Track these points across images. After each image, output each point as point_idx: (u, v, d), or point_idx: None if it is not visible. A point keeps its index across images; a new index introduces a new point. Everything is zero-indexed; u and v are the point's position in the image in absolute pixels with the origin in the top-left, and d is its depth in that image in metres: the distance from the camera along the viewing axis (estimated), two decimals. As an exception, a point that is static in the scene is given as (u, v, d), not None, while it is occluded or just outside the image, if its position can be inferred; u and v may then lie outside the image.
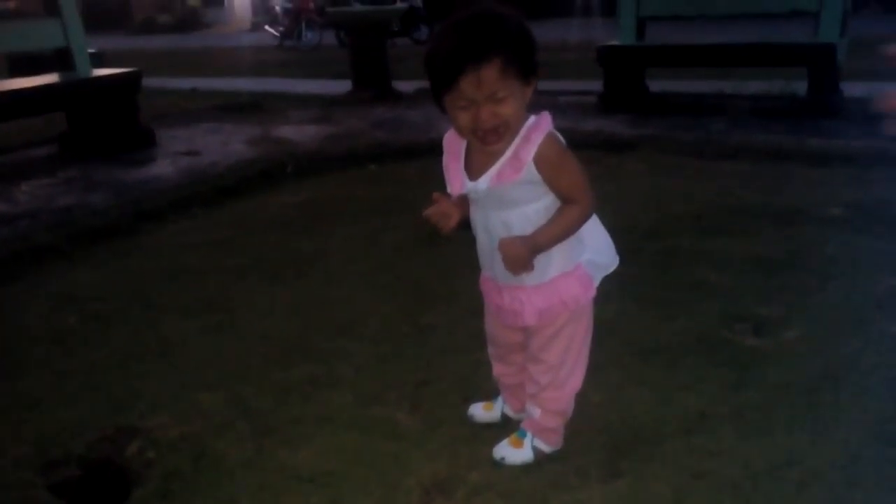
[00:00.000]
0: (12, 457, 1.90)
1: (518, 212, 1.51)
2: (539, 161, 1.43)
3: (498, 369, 1.85)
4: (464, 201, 1.59)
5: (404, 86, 7.76)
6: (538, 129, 1.45)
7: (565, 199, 1.50)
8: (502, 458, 1.75)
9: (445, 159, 1.58)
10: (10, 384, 2.27)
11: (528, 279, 1.55)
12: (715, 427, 1.85)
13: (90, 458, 1.88)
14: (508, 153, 1.45)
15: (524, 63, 1.39)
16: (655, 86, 6.36)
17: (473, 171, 1.52)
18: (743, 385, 2.03)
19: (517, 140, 1.45)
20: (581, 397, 1.79)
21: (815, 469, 1.69)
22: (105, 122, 5.53)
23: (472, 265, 1.72)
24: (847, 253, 2.91)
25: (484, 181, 1.48)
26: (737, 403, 1.94)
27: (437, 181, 1.61)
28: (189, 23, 25.72)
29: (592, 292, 1.61)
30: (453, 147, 1.56)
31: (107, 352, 2.44)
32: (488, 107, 1.38)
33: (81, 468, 1.85)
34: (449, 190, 1.56)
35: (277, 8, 18.76)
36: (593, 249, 1.60)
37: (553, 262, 1.55)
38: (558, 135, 1.48)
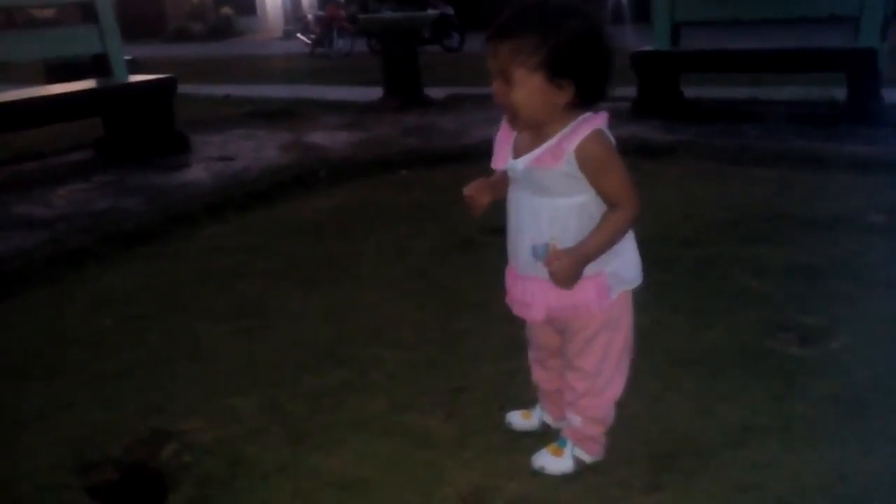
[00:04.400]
0: (49, 459, 1.90)
1: (549, 202, 1.49)
2: (581, 155, 1.42)
3: (537, 374, 1.81)
4: (504, 183, 1.59)
5: (435, 92, 7.76)
6: (588, 123, 1.44)
7: (609, 202, 1.47)
8: (541, 468, 1.71)
9: (499, 133, 1.58)
10: (46, 386, 2.29)
11: (544, 272, 1.51)
12: (760, 439, 1.80)
13: (126, 461, 1.88)
14: (553, 140, 1.45)
15: (546, 58, 1.37)
16: (690, 91, 6.28)
17: (519, 150, 1.52)
18: (788, 396, 1.97)
19: (565, 130, 1.44)
20: (620, 408, 1.75)
21: (865, 484, 1.63)
22: (140, 127, 5.59)
23: (505, 271, 1.69)
24: (891, 260, 2.83)
25: (523, 161, 1.49)
26: (782, 415, 1.89)
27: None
28: (222, 31, 26.03)
29: (607, 302, 1.55)
30: (505, 123, 1.57)
31: (142, 355, 2.45)
32: (500, 82, 1.43)
33: (118, 471, 1.85)
34: (493, 163, 1.58)
35: (309, 16, 18.92)
36: (621, 261, 1.56)
37: None
38: (608, 134, 1.46)
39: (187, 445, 1.92)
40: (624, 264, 1.56)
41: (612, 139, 1.47)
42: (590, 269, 1.50)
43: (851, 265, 2.82)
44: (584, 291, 1.53)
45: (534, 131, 1.49)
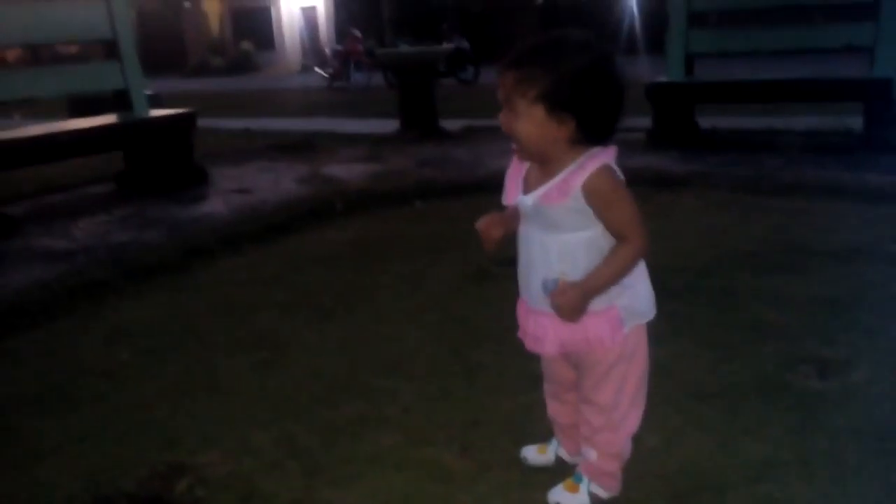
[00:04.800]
0: (64, 492, 1.90)
1: (559, 238, 1.49)
2: (588, 190, 1.42)
3: (552, 408, 1.80)
4: (516, 217, 1.59)
5: (451, 124, 7.81)
6: (595, 159, 1.43)
7: (616, 236, 1.46)
8: (557, 504, 1.69)
9: (510, 168, 1.59)
10: (61, 419, 2.29)
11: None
12: (781, 475, 1.76)
13: (140, 496, 1.88)
14: (561, 176, 1.45)
15: (546, 91, 1.38)
16: (705, 121, 6.28)
17: (529, 186, 1.52)
18: (809, 430, 1.94)
19: (572, 166, 1.44)
20: (638, 442, 1.73)
21: (890, 522, 1.59)
22: (160, 160, 5.67)
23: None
24: (914, 292, 2.79)
25: (532, 197, 1.49)
26: (803, 450, 1.85)
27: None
28: (241, 66, 26.47)
29: (621, 336, 1.54)
30: (517, 157, 1.57)
31: (158, 387, 2.46)
32: (506, 111, 1.44)
33: (131, 505, 1.85)
34: (503, 199, 1.58)
35: (327, 50, 19.23)
36: (632, 294, 1.54)
37: None
38: (615, 168, 1.45)
39: (202, 479, 1.91)
40: (636, 297, 1.55)
41: (620, 174, 1.46)
42: (601, 304, 1.50)
43: (871, 296, 2.79)
44: (597, 326, 1.52)
45: (543, 166, 1.49)
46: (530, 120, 1.41)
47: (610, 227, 1.46)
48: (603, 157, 1.44)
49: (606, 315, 1.52)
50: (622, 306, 1.53)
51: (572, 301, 1.45)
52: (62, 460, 2.06)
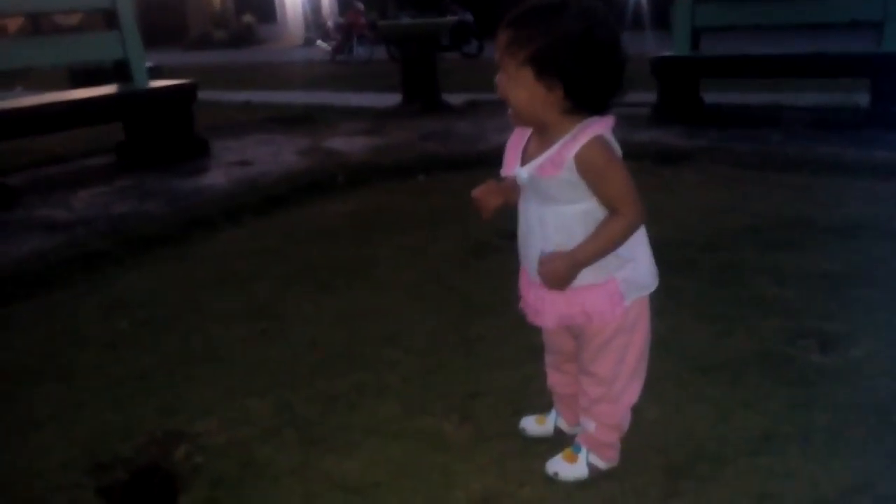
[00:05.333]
0: (61, 458, 1.90)
1: (555, 210, 1.47)
2: (580, 162, 1.39)
3: (552, 378, 1.79)
4: (516, 189, 1.57)
5: (454, 98, 7.76)
6: (588, 129, 1.40)
7: (609, 208, 1.44)
8: (555, 474, 1.68)
9: (511, 138, 1.56)
10: (61, 387, 2.29)
11: None
12: (780, 448, 1.76)
13: (138, 462, 1.88)
14: (554, 148, 1.42)
15: (534, 53, 1.35)
16: (710, 97, 6.22)
17: (527, 157, 1.50)
18: (809, 404, 1.93)
19: (567, 137, 1.41)
20: (637, 414, 1.72)
21: (888, 496, 1.58)
22: (161, 132, 5.64)
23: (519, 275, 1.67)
24: (917, 268, 2.77)
25: (527, 169, 1.47)
26: (803, 423, 1.84)
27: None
28: (243, 38, 26.27)
29: (621, 309, 1.52)
30: (521, 129, 1.55)
31: (157, 356, 2.45)
32: (501, 73, 1.42)
33: (129, 472, 1.84)
34: (502, 170, 1.56)
35: (330, 23, 19.07)
36: (633, 267, 1.52)
37: (584, 271, 1.48)
38: (610, 140, 1.42)
39: (200, 447, 1.91)
40: (636, 270, 1.53)
41: (615, 145, 1.44)
42: (600, 276, 1.48)
43: (874, 272, 2.77)
44: (596, 298, 1.50)
45: (541, 137, 1.47)
46: (519, 83, 1.39)
47: (602, 199, 1.43)
48: (597, 128, 1.40)
49: (605, 288, 1.50)
50: (622, 279, 1.51)
51: (559, 270, 1.44)
52: (59, 427, 2.06)
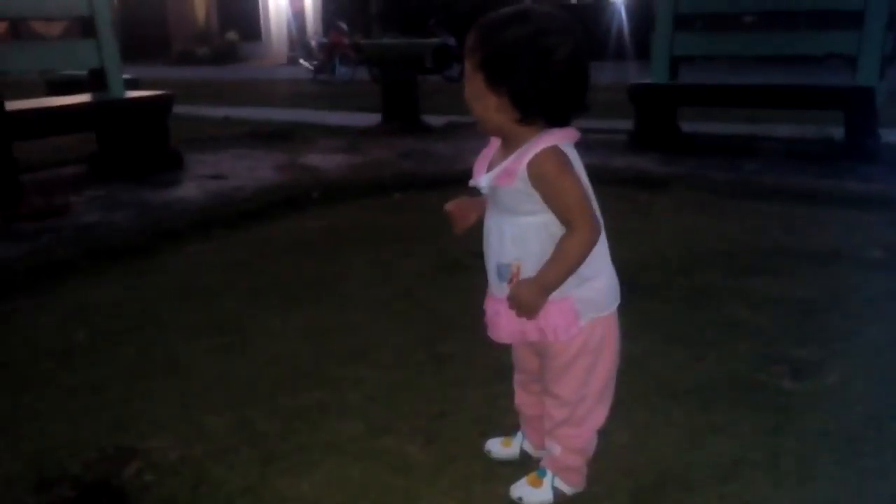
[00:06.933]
0: (5, 473, 1.81)
1: (512, 221, 1.45)
2: (532, 171, 1.37)
3: (519, 398, 1.74)
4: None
5: (434, 120, 7.75)
6: (542, 139, 1.38)
7: (563, 221, 1.41)
8: (519, 498, 1.62)
9: (484, 150, 1.55)
10: (11, 398, 2.20)
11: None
12: (750, 474, 1.72)
13: (86, 479, 1.79)
14: (511, 158, 1.40)
15: (484, 58, 1.35)
16: (687, 126, 6.26)
17: (492, 167, 1.48)
18: (780, 431, 1.89)
19: (522, 147, 1.39)
20: (605, 437, 1.67)
21: (859, 525, 1.55)
22: (134, 143, 5.54)
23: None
24: (888, 296, 2.77)
25: (486, 178, 1.45)
26: (773, 450, 1.81)
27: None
28: (227, 56, 26.17)
29: (576, 328, 1.48)
30: (494, 140, 1.53)
31: (113, 369, 2.37)
32: (465, 81, 1.42)
33: (75, 489, 1.76)
34: (471, 181, 1.53)
35: (313, 42, 19.07)
36: (591, 286, 1.48)
37: None
38: (564, 150, 1.39)
39: (151, 464, 1.83)
40: (594, 289, 1.49)
41: (573, 157, 1.41)
42: (555, 293, 1.45)
43: (847, 300, 2.76)
44: (549, 315, 1.47)
45: (505, 147, 1.46)
46: (473, 89, 1.39)
47: (555, 211, 1.40)
48: (552, 139, 1.38)
49: (559, 305, 1.47)
50: (578, 297, 1.47)
51: (526, 298, 1.42)
52: (4, 440, 1.97)
